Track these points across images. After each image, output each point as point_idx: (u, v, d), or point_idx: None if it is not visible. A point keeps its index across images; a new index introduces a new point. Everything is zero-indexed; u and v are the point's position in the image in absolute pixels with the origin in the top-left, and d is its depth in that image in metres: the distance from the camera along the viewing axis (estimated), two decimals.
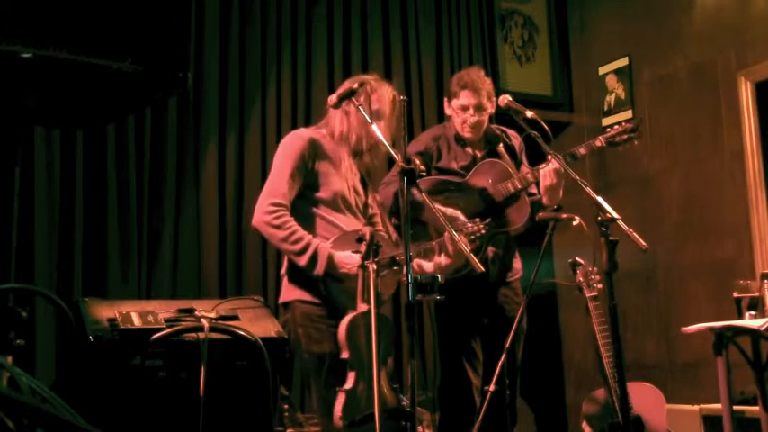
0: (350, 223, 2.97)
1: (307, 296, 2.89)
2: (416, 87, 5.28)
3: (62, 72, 1.74)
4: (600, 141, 3.39)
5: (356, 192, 3.07)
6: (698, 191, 5.06)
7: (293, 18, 4.93)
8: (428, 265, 3.01)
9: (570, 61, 5.98)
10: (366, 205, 3.14)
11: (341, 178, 3.00)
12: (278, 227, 2.85)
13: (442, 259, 2.99)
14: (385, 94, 3.02)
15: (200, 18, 4.61)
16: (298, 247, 2.83)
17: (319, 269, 2.81)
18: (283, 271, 3.03)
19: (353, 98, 2.86)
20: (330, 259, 2.81)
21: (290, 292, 2.96)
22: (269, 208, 2.87)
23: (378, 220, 3.18)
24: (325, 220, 2.95)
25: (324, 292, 2.87)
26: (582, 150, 3.39)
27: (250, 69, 4.76)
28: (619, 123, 3.47)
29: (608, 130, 3.44)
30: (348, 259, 2.78)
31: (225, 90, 4.68)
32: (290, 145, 2.99)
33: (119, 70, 1.76)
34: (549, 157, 3.16)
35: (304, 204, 2.96)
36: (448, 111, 3.58)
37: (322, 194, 2.96)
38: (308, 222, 2.92)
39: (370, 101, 2.97)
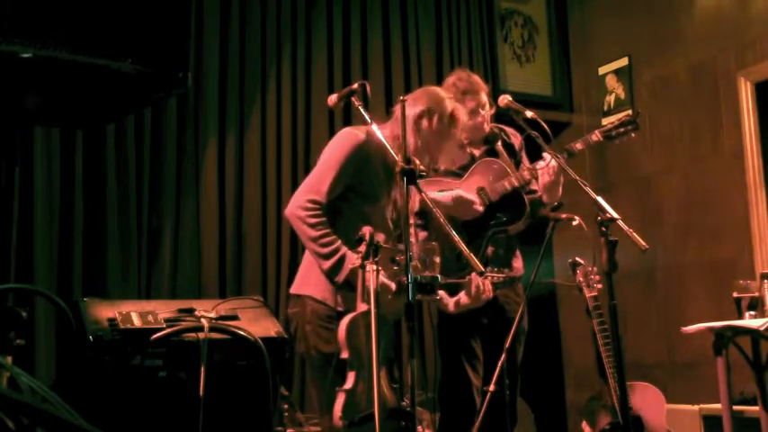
0: (380, 237, 2.92)
1: (319, 295, 2.87)
2: (416, 87, 5.25)
3: (62, 72, 1.74)
4: (596, 136, 3.38)
5: (395, 204, 3.02)
6: (698, 191, 5.06)
7: (293, 18, 4.93)
8: (449, 300, 3.00)
9: (570, 61, 5.99)
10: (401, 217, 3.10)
11: (384, 189, 2.96)
12: (312, 225, 2.80)
13: (462, 298, 2.97)
14: (461, 117, 2.99)
15: (200, 18, 4.61)
16: (326, 250, 2.79)
17: (341, 277, 2.78)
18: (303, 262, 2.99)
19: (353, 97, 2.85)
20: (354, 270, 2.77)
21: (303, 286, 2.93)
22: (306, 204, 2.82)
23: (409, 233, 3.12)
24: (355, 229, 2.90)
25: (336, 296, 2.85)
26: (578, 146, 3.38)
27: (250, 69, 4.77)
28: (617, 118, 3.46)
29: (605, 124, 3.43)
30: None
31: (225, 90, 4.68)
32: (343, 144, 2.92)
33: (119, 70, 1.76)
34: (546, 153, 3.17)
35: (343, 206, 2.92)
36: None
37: (362, 201, 2.92)
38: (338, 225, 2.88)
39: (444, 119, 2.95)
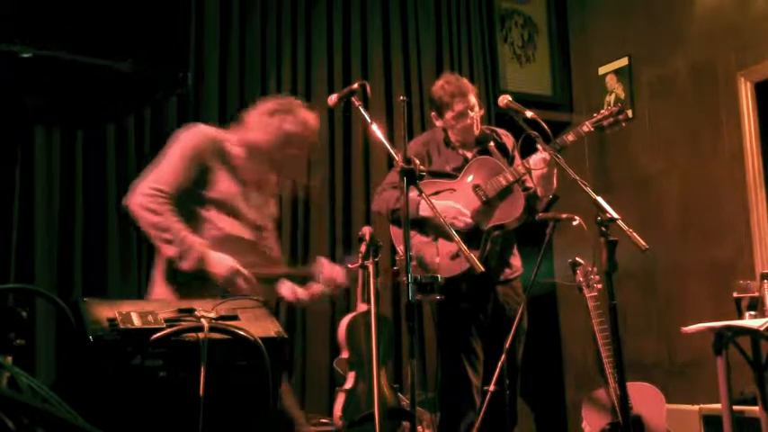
0: (234, 227, 2.82)
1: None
2: (416, 88, 5.28)
3: (62, 72, 1.74)
4: (587, 126, 3.37)
5: (263, 208, 2.92)
6: (698, 191, 5.07)
7: (293, 18, 4.94)
8: (301, 292, 2.87)
9: (570, 61, 5.99)
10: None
11: (240, 194, 2.85)
12: (154, 211, 2.67)
13: (314, 286, 2.85)
14: (312, 124, 2.91)
15: (200, 18, 4.61)
16: (169, 235, 2.66)
17: (189, 264, 2.67)
18: (157, 269, 2.86)
19: (353, 97, 2.85)
20: (202, 257, 2.68)
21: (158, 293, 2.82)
22: (149, 191, 2.69)
23: (268, 235, 2.98)
24: (211, 222, 2.79)
25: (180, 286, 2.76)
26: (570, 137, 3.37)
27: (250, 69, 4.77)
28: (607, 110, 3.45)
29: (594, 115, 3.42)
30: (222, 261, 2.68)
31: (225, 90, 4.67)
32: (190, 140, 2.80)
33: (119, 70, 1.76)
34: (538, 147, 3.17)
35: (193, 203, 2.79)
36: (439, 123, 3.58)
37: (212, 195, 2.81)
38: (193, 222, 2.76)
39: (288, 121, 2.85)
